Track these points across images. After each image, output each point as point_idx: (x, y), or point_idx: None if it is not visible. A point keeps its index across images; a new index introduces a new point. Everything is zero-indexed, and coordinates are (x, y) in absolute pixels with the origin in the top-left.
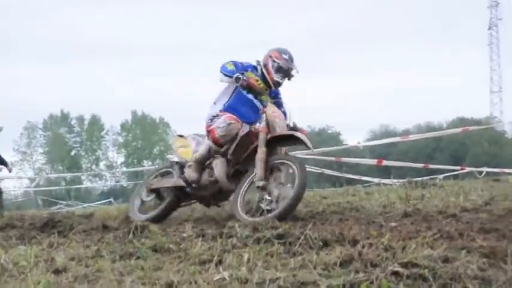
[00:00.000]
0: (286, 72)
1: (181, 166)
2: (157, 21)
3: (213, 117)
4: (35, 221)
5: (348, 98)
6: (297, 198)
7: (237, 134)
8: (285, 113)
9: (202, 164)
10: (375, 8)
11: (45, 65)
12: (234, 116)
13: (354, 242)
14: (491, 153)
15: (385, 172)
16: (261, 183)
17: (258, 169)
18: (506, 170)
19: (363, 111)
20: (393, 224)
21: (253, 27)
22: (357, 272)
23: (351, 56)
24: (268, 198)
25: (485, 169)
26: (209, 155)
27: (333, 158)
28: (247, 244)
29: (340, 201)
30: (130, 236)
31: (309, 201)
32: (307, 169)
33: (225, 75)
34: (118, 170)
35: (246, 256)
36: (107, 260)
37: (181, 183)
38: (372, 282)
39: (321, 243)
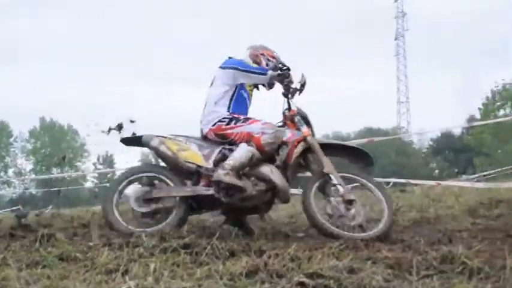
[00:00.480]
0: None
1: (190, 173)
2: (64, 25)
3: (227, 119)
4: None
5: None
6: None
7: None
8: None
9: (239, 171)
10: (282, 14)
11: None
12: (270, 122)
13: (261, 253)
14: (398, 164)
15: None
16: (352, 196)
17: (339, 179)
18: (412, 181)
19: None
20: (299, 235)
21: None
22: (263, 282)
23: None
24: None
25: (392, 180)
26: (250, 162)
27: None
28: (153, 254)
29: None
30: (37, 244)
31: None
32: None
33: (255, 72)
34: (27, 177)
35: (152, 266)
36: (13, 268)
37: (206, 192)
38: None
39: (228, 254)
